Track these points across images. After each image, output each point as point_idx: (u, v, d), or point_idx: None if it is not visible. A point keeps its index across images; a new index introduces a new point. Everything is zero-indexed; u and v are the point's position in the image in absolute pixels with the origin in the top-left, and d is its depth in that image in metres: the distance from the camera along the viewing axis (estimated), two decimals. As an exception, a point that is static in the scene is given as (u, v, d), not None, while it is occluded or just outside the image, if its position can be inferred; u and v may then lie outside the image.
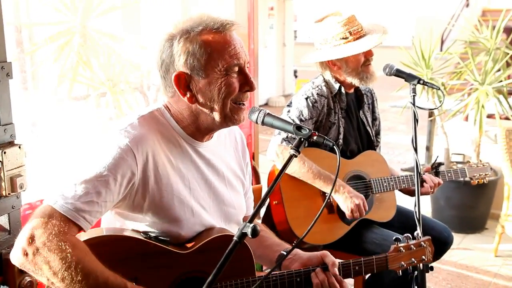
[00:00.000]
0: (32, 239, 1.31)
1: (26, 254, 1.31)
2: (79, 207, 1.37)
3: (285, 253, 1.69)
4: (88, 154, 1.48)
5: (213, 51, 1.47)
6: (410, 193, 2.61)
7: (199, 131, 1.59)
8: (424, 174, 2.58)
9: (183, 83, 1.50)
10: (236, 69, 1.50)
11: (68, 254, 1.29)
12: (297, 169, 2.39)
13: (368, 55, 2.45)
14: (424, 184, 2.51)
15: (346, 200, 2.36)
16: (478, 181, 2.74)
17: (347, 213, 2.38)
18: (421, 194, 2.49)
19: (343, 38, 2.41)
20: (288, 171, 2.39)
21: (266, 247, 1.78)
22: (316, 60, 2.51)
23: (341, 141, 2.53)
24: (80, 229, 1.38)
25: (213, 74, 1.48)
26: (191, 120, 1.57)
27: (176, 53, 1.49)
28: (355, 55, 2.41)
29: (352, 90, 2.61)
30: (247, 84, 1.52)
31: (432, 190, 2.54)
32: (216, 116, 1.52)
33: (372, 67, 2.49)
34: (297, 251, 1.71)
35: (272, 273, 1.58)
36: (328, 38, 2.44)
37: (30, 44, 3.32)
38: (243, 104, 1.55)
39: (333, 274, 1.59)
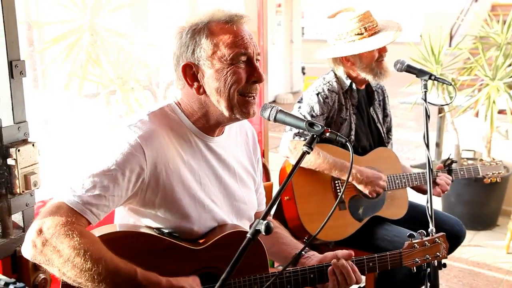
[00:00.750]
0: (40, 231, 1.32)
1: (35, 246, 1.32)
2: (86, 200, 1.38)
3: (303, 253, 1.71)
4: (98, 149, 1.49)
5: (220, 41, 1.48)
6: (422, 191, 2.60)
7: (209, 125, 1.59)
8: (437, 172, 2.57)
9: (191, 73, 1.52)
10: (244, 58, 1.50)
11: (76, 242, 1.30)
12: (312, 160, 2.39)
13: (382, 51, 2.44)
14: (437, 187, 2.51)
15: (367, 186, 2.40)
16: (491, 180, 2.72)
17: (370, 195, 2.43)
18: (433, 195, 2.49)
19: (358, 34, 2.40)
20: (304, 163, 2.37)
21: (282, 245, 1.79)
22: (331, 56, 2.50)
23: (353, 137, 2.52)
24: (88, 222, 1.40)
25: (220, 64, 1.49)
26: (201, 113, 1.57)
27: (184, 45, 1.51)
28: (369, 51, 2.40)
29: (363, 87, 2.60)
30: (253, 75, 1.51)
31: (442, 193, 2.53)
32: (224, 107, 1.52)
33: (386, 63, 2.48)
34: (315, 253, 1.73)
35: (286, 269, 1.58)
36: (342, 33, 2.44)
37: (40, 42, 3.33)
38: (252, 97, 1.54)
39: (347, 257, 1.61)
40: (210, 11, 1.53)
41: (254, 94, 1.55)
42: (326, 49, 2.55)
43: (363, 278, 2.55)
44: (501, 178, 2.76)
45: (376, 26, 2.43)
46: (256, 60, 1.54)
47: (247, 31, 1.53)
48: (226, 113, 1.53)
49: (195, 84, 1.53)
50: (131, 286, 1.33)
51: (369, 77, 2.48)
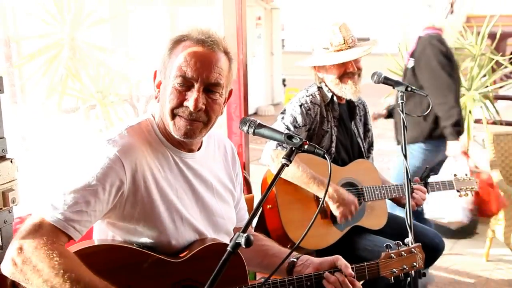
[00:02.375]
0: (21, 249, 1.32)
1: (15, 264, 1.31)
2: (69, 216, 1.37)
3: (295, 260, 1.71)
4: (77, 164, 1.49)
5: (176, 57, 1.51)
6: (401, 205, 2.63)
7: (174, 140, 1.59)
8: (413, 185, 2.59)
9: (157, 80, 1.59)
10: (187, 83, 1.49)
11: (56, 263, 1.30)
12: (291, 173, 2.40)
13: (348, 68, 2.47)
14: (412, 200, 2.53)
15: (339, 207, 2.39)
16: (465, 194, 2.77)
17: (338, 218, 2.40)
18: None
19: (331, 44, 2.46)
20: (283, 175, 2.40)
21: (272, 256, 1.79)
22: (299, 64, 2.58)
23: (333, 149, 2.55)
24: (69, 238, 1.39)
25: (168, 79, 1.52)
26: (163, 126, 1.59)
27: (164, 53, 1.56)
28: (336, 67, 2.47)
29: (343, 101, 2.64)
30: (187, 100, 1.49)
31: (417, 208, 2.56)
32: (166, 121, 1.55)
33: (354, 81, 2.50)
34: (309, 257, 1.73)
35: (284, 278, 1.59)
36: (322, 44, 2.49)
37: (19, 57, 3.31)
38: (188, 120, 1.51)
39: (349, 275, 1.61)
40: (196, 28, 1.54)
41: (191, 119, 1.51)
42: (307, 59, 2.60)
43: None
44: (473, 194, 2.82)
45: (350, 38, 2.47)
46: (209, 90, 1.50)
47: (207, 58, 1.49)
48: (168, 127, 1.55)
49: (157, 90, 1.59)
50: None
51: (336, 91, 2.52)
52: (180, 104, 1.50)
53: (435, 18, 3.58)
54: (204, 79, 1.49)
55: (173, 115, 1.52)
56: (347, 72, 2.48)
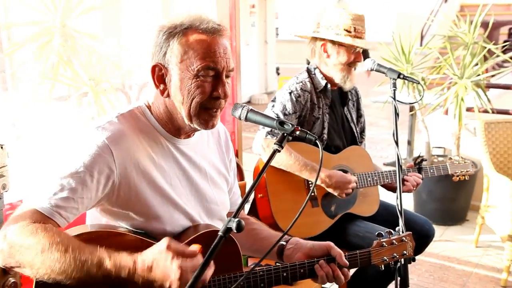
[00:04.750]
0: (5, 235, 1.32)
1: (2, 250, 1.32)
2: (54, 203, 1.38)
3: (285, 243, 1.71)
4: (66, 151, 1.48)
5: (191, 50, 1.47)
6: (393, 189, 2.65)
7: (175, 128, 1.59)
8: (407, 171, 2.62)
9: (159, 75, 1.53)
10: (212, 73, 1.49)
11: (41, 237, 1.30)
12: (283, 160, 2.42)
13: (357, 58, 2.50)
14: (406, 183, 2.55)
15: (335, 190, 2.43)
16: (459, 178, 2.79)
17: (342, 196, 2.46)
18: (403, 192, 2.54)
19: (346, 30, 2.45)
20: (275, 163, 2.42)
21: (263, 240, 1.79)
22: (316, 35, 2.53)
23: (325, 136, 2.56)
24: (56, 225, 1.39)
25: (186, 73, 1.48)
26: (166, 117, 1.58)
27: (159, 45, 1.51)
28: (347, 51, 2.47)
29: (336, 87, 2.64)
30: (217, 91, 1.50)
31: (414, 189, 2.58)
32: (184, 115, 1.52)
33: (354, 74, 2.56)
34: (299, 240, 1.72)
35: (277, 264, 1.60)
36: (332, 25, 2.48)
37: (9, 44, 3.27)
38: (215, 111, 1.53)
39: (344, 265, 1.62)
40: (192, 16, 1.52)
41: (217, 109, 1.54)
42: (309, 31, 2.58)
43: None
44: (469, 176, 2.83)
45: (363, 33, 2.49)
46: (227, 76, 1.53)
47: (222, 45, 1.51)
48: (186, 121, 1.53)
49: (161, 86, 1.53)
50: (104, 270, 1.31)
51: (336, 77, 2.53)
52: (208, 97, 1.49)
53: None
54: (226, 67, 1.50)
55: (201, 109, 1.50)
56: (355, 61, 2.51)
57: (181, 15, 1.53)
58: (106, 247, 1.36)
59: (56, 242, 1.30)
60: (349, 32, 2.45)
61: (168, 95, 1.53)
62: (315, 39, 2.56)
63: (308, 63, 2.68)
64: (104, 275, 1.31)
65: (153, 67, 1.53)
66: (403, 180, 2.56)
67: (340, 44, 2.48)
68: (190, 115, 1.52)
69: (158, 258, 1.33)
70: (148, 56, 1.57)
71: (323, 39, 2.51)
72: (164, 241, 1.35)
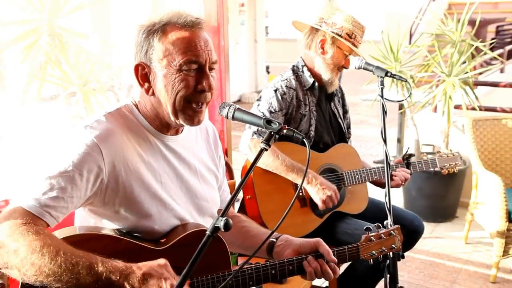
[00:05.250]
0: None
1: None
2: (44, 202, 1.37)
3: (275, 240, 1.71)
4: (54, 150, 1.48)
5: (172, 46, 1.48)
6: (382, 185, 2.66)
7: (162, 125, 1.59)
8: (396, 166, 2.63)
9: (143, 73, 1.53)
10: (194, 66, 1.49)
11: (31, 239, 1.29)
12: (270, 162, 2.42)
13: (346, 64, 2.53)
14: (394, 178, 2.57)
15: (318, 192, 2.41)
16: (448, 171, 2.81)
17: (319, 205, 2.42)
18: (391, 187, 2.55)
19: (347, 34, 2.46)
20: (261, 164, 2.42)
21: (253, 237, 1.79)
22: (324, 28, 2.51)
23: (312, 133, 2.57)
24: (46, 225, 1.38)
25: (169, 69, 1.48)
26: (153, 114, 1.58)
27: (139, 44, 1.52)
28: (342, 54, 2.50)
29: (323, 84, 2.65)
30: (202, 84, 1.50)
31: (402, 183, 2.59)
32: (170, 111, 1.52)
33: (338, 77, 2.59)
34: (288, 237, 1.72)
35: (266, 262, 1.60)
36: (336, 25, 2.48)
37: (-3, 44, 3.25)
38: (199, 106, 1.53)
39: (332, 261, 1.62)
40: (170, 13, 1.52)
41: (202, 103, 1.54)
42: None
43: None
44: (458, 170, 2.85)
45: (360, 44, 2.52)
46: (210, 68, 1.53)
47: (202, 38, 1.51)
48: (171, 117, 1.53)
49: (146, 84, 1.53)
50: (93, 275, 1.31)
51: (324, 75, 2.54)
52: (192, 90, 1.50)
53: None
54: (209, 59, 1.51)
55: (186, 103, 1.51)
56: (344, 66, 2.54)
57: (158, 14, 1.53)
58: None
59: (47, 244, 1.30)
60: (350, 37, 2.46)
61: (153, 93, 1.53)
62: (315, 31, 2.55)
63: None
64: (94, 279, 1.30)
65: (136, 67, 1.53)
66: (391, 175, 2.57)
67: (338, 46, 2.49)
68: (175, 111, 1.52)
69: (155, 270, 1.34)
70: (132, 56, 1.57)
71: (324, 35, 2.51)
72: (162, 260, 1.38)
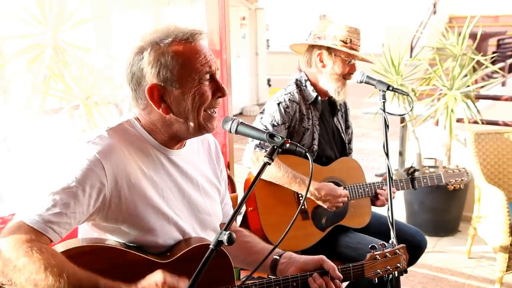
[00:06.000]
0: None
1: None
2: (47, 218, 1.37)
3: (278, 258, 1.71)
4: (57, 166, 1.48)
5: (185, 61, 1.49)
6: (372, 203, 2.64)
7: (171, 139, 1.60)
8: (381, 184, 2.60)
9: (157, 94, 1.51)
10: (208, 76, 1.53)
11: (36, 259, 1.29)
12: (273, 173, 2.42)
13: (351, 70, 2.52)
14: (379, 196, 2.56)
15: (325, 202, 2.43)
16: (454, 187, 2.79)
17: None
18: (376, 206, 2.55)
19: (342, 41, 2.47)
20: (264, 175, 2.42)
21: (256, 253, 1.79)
22: (313, 43, 2.54)
23: (316, 147, 2.57)
24: (49, 240, 1.38)
25: (187, 84, 1.50)
26: (164, 130, 1.58)
27: (148, 66, 1.49)
28: (343, 62, 2.49)
29: (326, 98, 2.66)
30: (218, 90, 1.55)
31: (387, 202, 2.57)
32: (191, 125, 1.53)
33: (347, 87, 2.58)
34: (292, 254, 1.72)
35: (269, 278, 1.60)
36: (329, 35, 2.50)
37: (0, 58, 3.27)
38: (215, 112, 1.58)
39: (337, 278, 1.62)
40: (168, 28, 1.53)
41: (217, 109, 1.59)
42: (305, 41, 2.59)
43: None
44: (463, 186, 2.83)
45: (359, 46, 2.52)
46: (216, 74, 1.57)
47: (206, 48, 1.55)
48: (192, 130, 1.55)
49: (162, 105, 1.52)
50: None
51: (330, 87, 2.55)
52: (211, 99, 1.54)
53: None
54: (216, 66, 1.56)
55: (205, 113, 1.54)
56: (349, 73, 2.53)
57: (154, 32, 1.53)
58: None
59: (51, 265, 1.30)
60: (345, 43, 2.47)
61: (171, 111, 1.53)
62: (311, 48, 2.56)
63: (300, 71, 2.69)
64: None
65: (149, 89, 1.50)
66: (376, 194, 2.57)
67: (336, 55, 2.50)
68: (198, 123, 1.54)
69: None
70: (126, 77, 1.55)
71: (320, 49, 2.52)
72: (160, 274, 1.38)
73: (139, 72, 1.51)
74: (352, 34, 2.49)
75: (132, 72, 1.52)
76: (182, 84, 1.49)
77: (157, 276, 1.38)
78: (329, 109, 2.71)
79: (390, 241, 1.84)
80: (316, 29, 2.56)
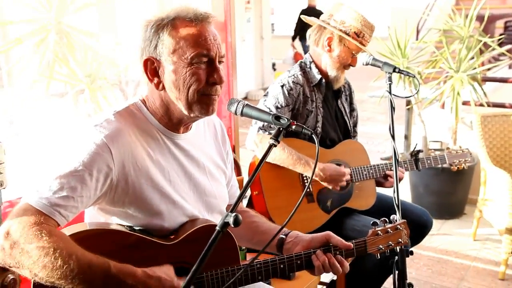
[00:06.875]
0: (7, 233, 1.31)
1: (3, 249, 1.31)
2: (54, 201, 1.37)
3: (284, 237, 1.72)
4: (64, 150, 1.48)
5: (182, 39, 1.49)
6: (379, 184, 2.66)
7: (172, 122, 1.60)
8: (390, 165, 2.61)
9: (152, 68, 1.53)
10: (205, 59, 1.50)
11: (45, 242, 1.30)
12: (277, 155, 2.42)
13: (353, 62, 2.53)
14: (389, 178, 2.58)
15: (329, 183, 2.45)
16: (458, 167, 2.79)
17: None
18: (386, 187, 2.56)
19: (356, 34, 2.47)
20: (269, 158, 2.42)
21: (263, 233, 1.80)
22: (327, 26, 2.52)
23: (319, 129, 2.57)
24: (56, 224, 1.39)
25: (180, 62, 1.49)
26: (163, 111, 1.58)
27: (148, 39, 1.52)
28: (348, 53, 2.50)
29: (328, 79, 2.65)
30: (213, 77, 1.51)
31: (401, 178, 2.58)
32: (182, 105, 1.53)
33: (344, 75, 2.61)
34: (298, 233, 1.73)
35: (275, 257, 1.61)
36: (345, 22, 2.48)
37: (4, 42, 3.27)
38: (212, 96, 1.54)
39: (347, 248, 1.65)
40: (178, 7, 1.53)
41: (215, 95, 1.55)
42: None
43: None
44: (467, 166, 2.83)
45: (368, 43, 2.52)
46: (219, 62, 1.54)
47: (211, 32, 1.53)
48: (185, 111, 1.54)
49: (155, 79, 1.54)
50: (105, 279, 1.33)
51: (331, 72, 2.55)
52: (204, 84, 1.51)
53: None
54: (218, 53, 1.53)
55: (200, 96, 1.51)
56: (350, 64, 2.54)
57: (165, 10, 1.54)
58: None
59: (60, 247, 1.30)
60: (358, 36, 2.46)
61: (163, 88, 1.54)
62: (324, 28, 2.55)
63: (304, 51, 2.68)
64: (106, 282, 1.33)
65: (145, 61, 1.53)
66: (387, 175, 2.57)
67: (345, 44, 2.49)
68: (189, 104, 1.52)
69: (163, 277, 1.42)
70: (137, 51, 1.57)
71: (331, 32, 2.51)
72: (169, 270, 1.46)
73: (142, 44, 1.54)
74: (366, 30, 2.49)
75: (139, 45, 1.55)
76: (176, 62, 1.49)
77: (168, 271, 1.45)
78: (332, 91, 2.70)
79: (391, 217, 1.84)
80: (335, 10, 2.54)
